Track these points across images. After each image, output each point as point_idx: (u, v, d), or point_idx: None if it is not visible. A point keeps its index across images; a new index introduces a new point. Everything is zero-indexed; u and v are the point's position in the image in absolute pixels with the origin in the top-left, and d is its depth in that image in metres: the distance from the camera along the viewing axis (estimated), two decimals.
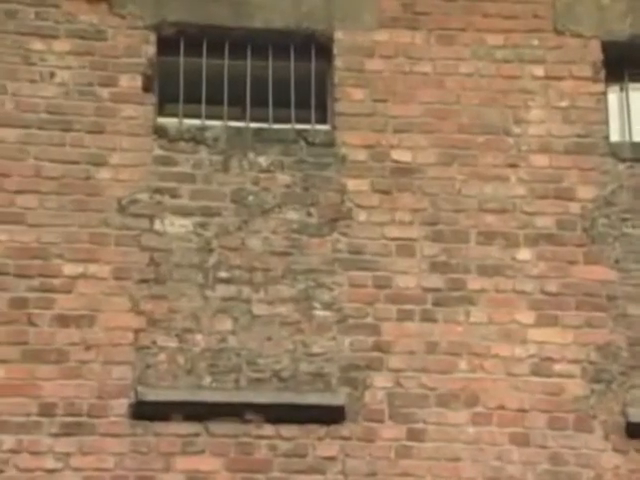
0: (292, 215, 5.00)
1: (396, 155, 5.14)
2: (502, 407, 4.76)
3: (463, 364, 4.82)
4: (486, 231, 5.05)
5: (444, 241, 5.02)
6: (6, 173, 4.88)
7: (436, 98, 5.23)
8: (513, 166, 5.16)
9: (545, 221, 5.06)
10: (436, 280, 4.94)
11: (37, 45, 5.06)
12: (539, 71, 5.28)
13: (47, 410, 4.55)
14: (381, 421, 4.71)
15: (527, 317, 4.91)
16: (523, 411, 4.75)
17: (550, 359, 4.83)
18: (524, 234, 5.05)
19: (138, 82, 5.10)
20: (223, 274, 4.87)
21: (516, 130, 5.19)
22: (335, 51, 5.26)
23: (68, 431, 4.54)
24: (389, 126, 5.18)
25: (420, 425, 4.72)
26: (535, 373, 4.81)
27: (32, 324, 4.67)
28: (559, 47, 5.33)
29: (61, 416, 4.55)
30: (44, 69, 5.04)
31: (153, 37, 5.17)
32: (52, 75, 5.04)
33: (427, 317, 4.89)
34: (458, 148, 5.18)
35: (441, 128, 5.19)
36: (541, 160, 5.17)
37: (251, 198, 5.01)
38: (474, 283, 4.95)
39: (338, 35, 5.27)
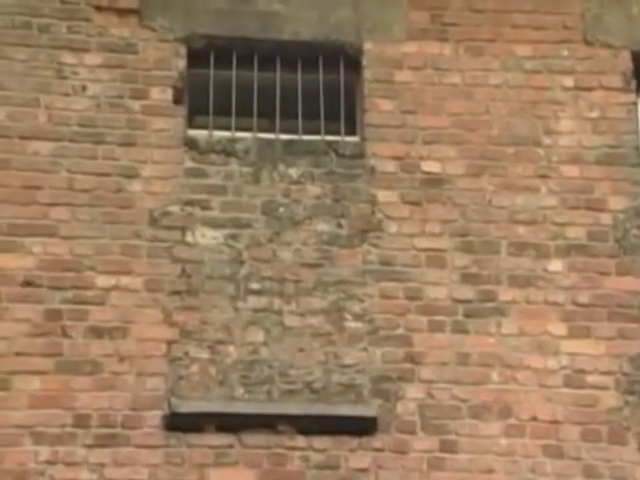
0: (322, 227, 5.01)
1: (426, 166, 5.15)
2: (535, 419, 4.75)
3: (495, 375, 4.81)
4: (517, 242, 5.04)
5: (475, 252, 5.01)
6: (39, 185, 4.92)
7: (465, 109, 5.23)
8: (543, 177, 5.16)
9: (576, 232, 5.05)
10: (467, 291, 4.94)
11: (69, 58, 5.09)
12: (569, 82, 5.28)
13: (82, 421, 4.57)
14: (413, 433, 4.71)
15: (559, 328, 4.89)
16: (556, 423, 4.73)
17: (583, 371, 4.81)
18: (555, 245, 5.04)
19: (169, 95, 5.13)
20: (254, 285, 4.88)
21: (546, 141, 5.19)
22: (364, 63, 5.27)
23: (103, 442, 4.56)
24: (418, 137, 5.18)
25: (452, 437, 4.71)
26: (568, 385, 4.79)
27: (66, 336, 4.70)
28: (589, 58, 5.32)
29: (96, 427, 4.57)
30: (76, 82, 5.08)
31: (183, 50, 5.20)
32: (84, 88, 5.08)
33: (458, 328, 4.89)
34: (488, 159, 5.18)
35: (470, 139, 5.20)
36: (572, 171, 5.16)
37: (282, 210, 5.02)
38: (505, 294, 4.94)
39: (367, 46, 5.28)
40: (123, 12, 5.19)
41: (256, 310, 4.85)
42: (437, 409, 4.75)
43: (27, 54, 5.06)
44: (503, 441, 4.70)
